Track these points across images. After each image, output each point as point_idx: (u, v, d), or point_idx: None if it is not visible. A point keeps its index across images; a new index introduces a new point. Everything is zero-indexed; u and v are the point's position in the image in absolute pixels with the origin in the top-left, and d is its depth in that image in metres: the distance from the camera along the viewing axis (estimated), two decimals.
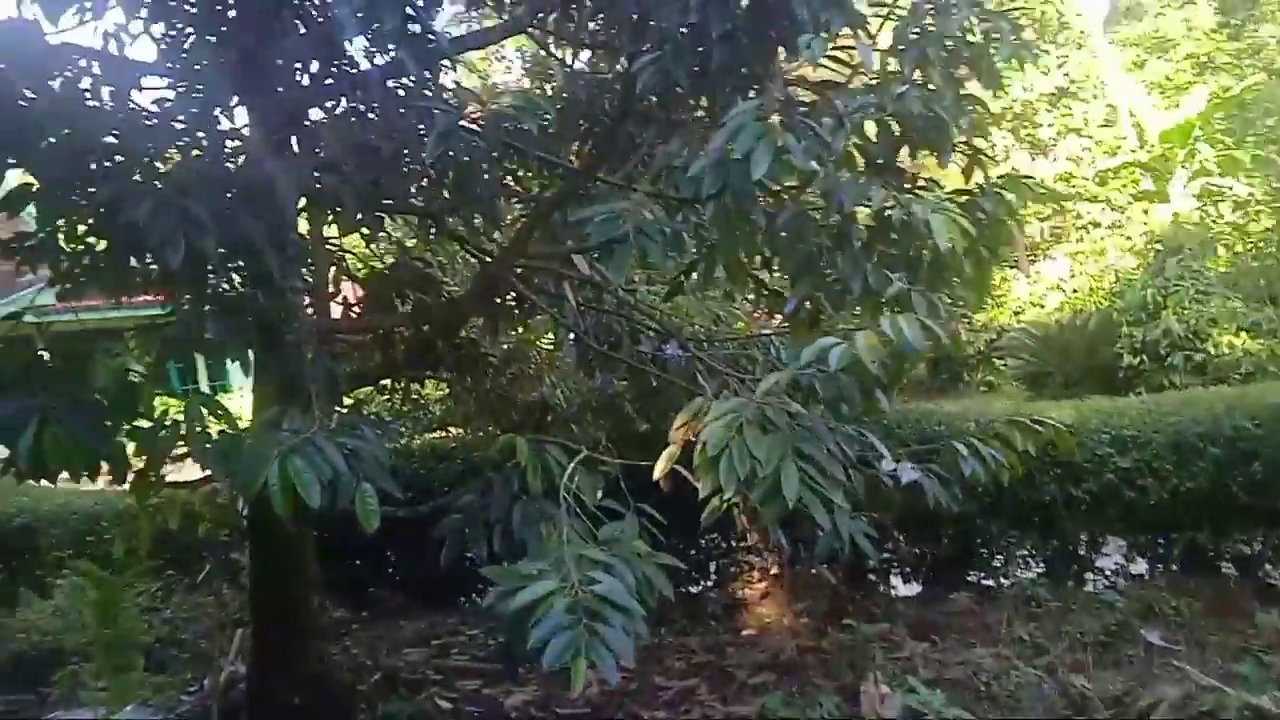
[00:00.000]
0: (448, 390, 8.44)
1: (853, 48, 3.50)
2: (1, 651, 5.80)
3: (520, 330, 6.90)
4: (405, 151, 4.53)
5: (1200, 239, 16.42)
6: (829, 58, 3.56)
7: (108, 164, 3.65)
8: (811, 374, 3.11)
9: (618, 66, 5.51)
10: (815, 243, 3.65)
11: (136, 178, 3.57)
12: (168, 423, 3.51)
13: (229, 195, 3.80)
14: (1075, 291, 21.40)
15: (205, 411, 3.53)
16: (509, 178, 5.62)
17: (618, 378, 6.28)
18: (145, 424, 3.46)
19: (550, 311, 5.23)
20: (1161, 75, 23.43)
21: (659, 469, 3.35)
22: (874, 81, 3.82)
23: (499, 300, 5.15)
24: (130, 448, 3.41)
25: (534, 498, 3.89)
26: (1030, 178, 4.22)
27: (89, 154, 3.63)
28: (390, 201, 5.05)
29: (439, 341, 5.10)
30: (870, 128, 3.61)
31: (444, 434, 10.66)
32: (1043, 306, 21.53)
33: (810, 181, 3.61)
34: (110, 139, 3.73)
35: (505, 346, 7.18)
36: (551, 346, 7.77)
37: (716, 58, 3.38)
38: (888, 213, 3.39)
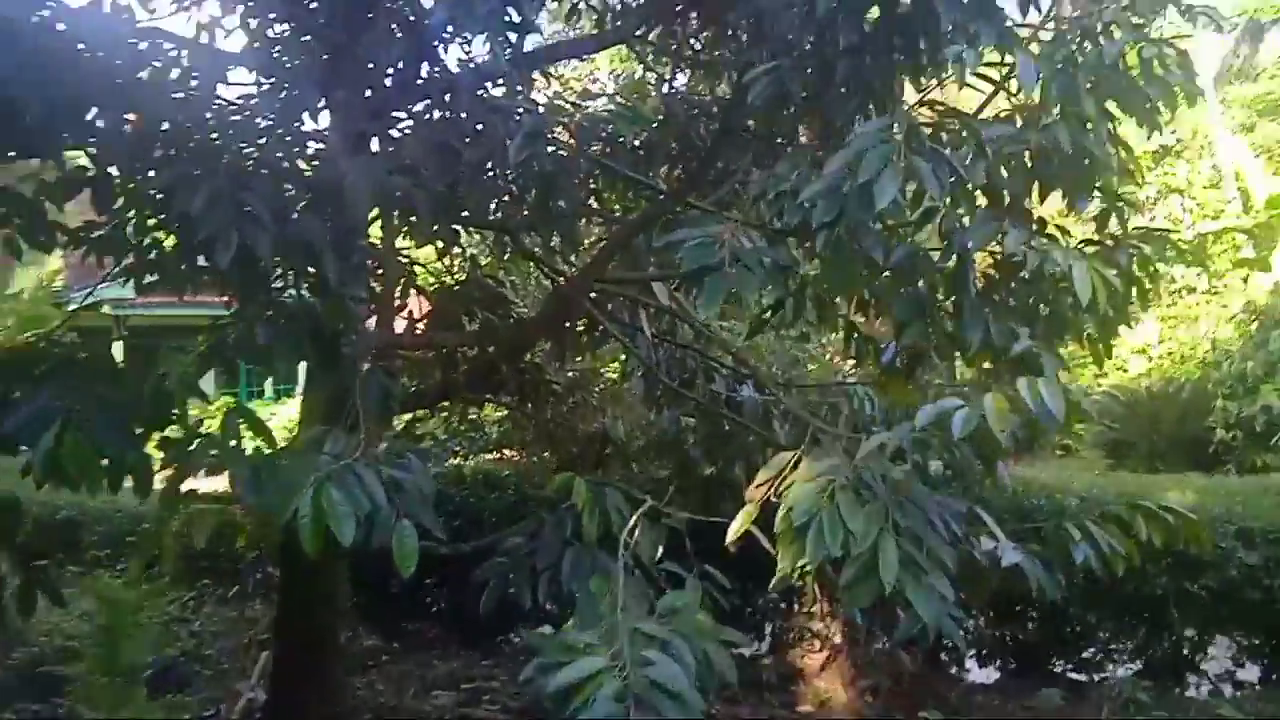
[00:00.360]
0: (506, 413, 8.15)
1: (1002, 64, 3.10)
2: (23, 654, 5.57)
3: (586, 358, 6.58)
4: (489, 163, 4.25)
5: None
6: (979, 75, 3.16)
7: (172, 151, 3.41)
8: (921, 436, 2.68)
9: (719, 88, 5.20)
10: (927, 286, 3.26)
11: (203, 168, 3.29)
12: (202, 432, 3.23)
13: (297, 195, 3.55)
14: (1164, 357, 20.45)
15: (242, 424, 3.23)
16: (591, 198, 5.34)
17: (685, 415, 5.89)
18: (178, 434, 3.18)
19: (623, 340, 4.86)
20: (1273, 139, 22.47)
21: (733, 532, 2.96)
22: (1007, 110, 3.43)
23: (569, 325, 4.80)
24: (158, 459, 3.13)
25: (588, 546, 3.54)
26: (1172, 231, 3.78)
27: (154, 139, 3.40)
28: (467, 213, 4.77)
29: (503, 364, 4.76)
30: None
31: (499, 457, 10.38)
32: (1125, 370, 20.61)
33: (931, 217, 3.22)
34: (183, 125, 3.50)
35: (569, 374, 6.86)
36: (616, 377, 7.44)
37: (840, 72, 3.01)
38: (1017, 258, 2.98)
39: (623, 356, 7.26)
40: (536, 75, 5.14)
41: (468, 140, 4.08)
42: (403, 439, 4.76)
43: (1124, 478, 9.97)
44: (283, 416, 15.67)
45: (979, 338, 3.01)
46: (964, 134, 2.91)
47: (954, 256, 3.14)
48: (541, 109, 4.53)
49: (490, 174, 4.38)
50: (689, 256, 2.84)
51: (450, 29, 4.29)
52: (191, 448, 3.09)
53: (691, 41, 5.12)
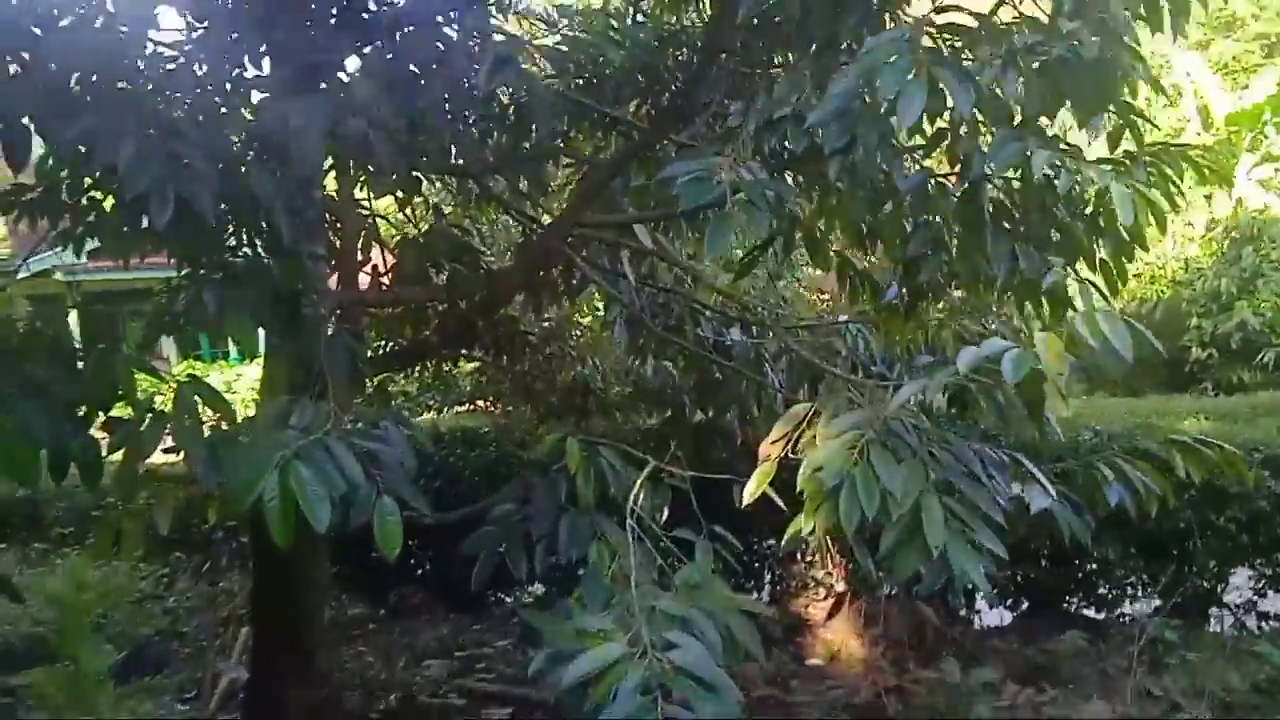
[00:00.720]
0: (478, 365, 7.84)
1: None
2: None
3: (562, 306, 6.30)
4: (447, 102, 3.92)
5: None
6: None
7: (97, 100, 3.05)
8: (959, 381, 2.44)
9: (685, 14, 4.85)
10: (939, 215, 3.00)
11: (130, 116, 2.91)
12: (155, 409, 2.92)
13: (240, 144, 3.22)
14: (1134, 277, 20.39)
15: (199, 400, 2.92)
16: (558, 138, 5.02)
17: (669, 361, 5.63)
18: (126, 413, 2.87)
19: (605, 287, 4.57)
20: (1229, 56, 22.28)
21: (749, 492, 2.71)
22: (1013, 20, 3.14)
23: (546, 273, 4.51)
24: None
25: (584, 510, 3.30)
26: (1191, 147, 3.53)
27: (73, 88, 3.02)
28: (428, 159, 4.44)
29: (478, 318, 4.45)
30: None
31: (473, 408, 10.08)
32: None
33: (942, 139, 2.95)
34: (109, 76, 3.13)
35: (544, 323, 6.58)
36: (593, 325, 7.17)
37: None
38: (1039, 180, 2.71)
39: (599, 303, 7.00)
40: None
41: (424, 79, 3.75)
42: (376, 399, 4.45)
43: (1108, 404, 9.86)
44: (250, 379, 15.23)
45: (1005, 269, 2.75)
46: (988, 44, 2.61)
47: (968, 182, 2.89)
48: (502, 38, 4.24)
49: (449, 115, 4.06)
50: (686, 193, 2.55)
51: None
52: (142, 427, 2.79)
53: None
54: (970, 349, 2.30)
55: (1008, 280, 2.76)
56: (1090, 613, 5.57)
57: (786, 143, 2.73)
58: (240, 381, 15.20)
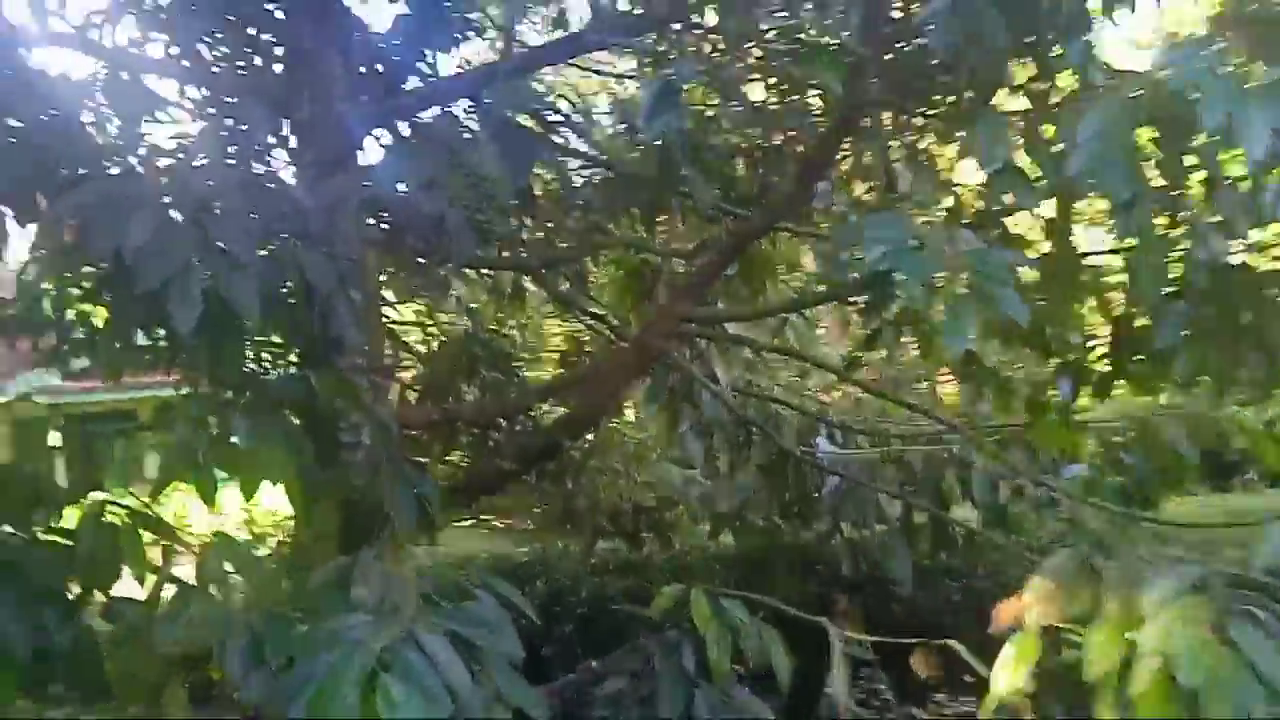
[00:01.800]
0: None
1: None
2: None
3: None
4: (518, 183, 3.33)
5: None
6: None
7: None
8: None
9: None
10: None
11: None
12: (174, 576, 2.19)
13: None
14: None
15: (229, 564, 2.18)
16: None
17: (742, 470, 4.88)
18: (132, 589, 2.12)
19: (712, 389, 3.89)
20: None
21: (1007, 683, 1.94)
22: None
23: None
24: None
25: (721, 683, 2.56)
26: None
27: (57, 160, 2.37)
28: (459, 253, 3.84)
29: (565, 436, 3.70)
30: None
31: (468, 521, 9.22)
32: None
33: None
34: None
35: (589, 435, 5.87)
36: (634, 434, 6.45)
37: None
38: None
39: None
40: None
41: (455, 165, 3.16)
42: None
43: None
44: (232, 504, 14.05)
45: None
46: None
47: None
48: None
49: (500, 200, 3.48)
50: (902, 266, 1.87)
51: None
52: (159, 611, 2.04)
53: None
54: None
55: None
56: None
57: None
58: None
